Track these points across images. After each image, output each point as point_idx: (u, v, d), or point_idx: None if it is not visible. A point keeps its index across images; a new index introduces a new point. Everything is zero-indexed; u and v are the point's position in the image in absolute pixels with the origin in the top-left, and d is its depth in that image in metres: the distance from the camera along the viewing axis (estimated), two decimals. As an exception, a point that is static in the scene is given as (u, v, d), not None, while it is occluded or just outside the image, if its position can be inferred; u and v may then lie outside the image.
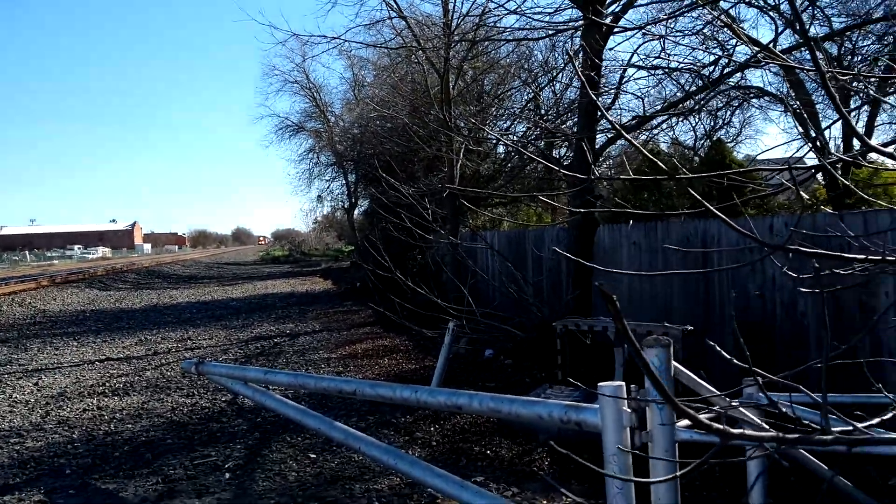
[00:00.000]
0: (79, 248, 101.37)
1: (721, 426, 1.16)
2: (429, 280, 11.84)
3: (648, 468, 2.56)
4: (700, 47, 9.25)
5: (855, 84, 5.64)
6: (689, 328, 6.84)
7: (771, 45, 8.00)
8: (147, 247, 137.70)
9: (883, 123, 15.22)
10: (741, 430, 1.24)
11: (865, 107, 13.03)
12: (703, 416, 1.29)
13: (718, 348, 1.92)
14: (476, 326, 9.86)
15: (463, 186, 14.06)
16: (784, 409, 1.47)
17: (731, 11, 9.19)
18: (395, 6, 12.68)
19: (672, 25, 8.17)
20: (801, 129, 10.06)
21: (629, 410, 2.56)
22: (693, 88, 10.25)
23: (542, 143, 14.36)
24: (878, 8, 10.64)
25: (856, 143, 12.33)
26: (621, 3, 8.59)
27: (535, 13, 8.85)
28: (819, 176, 10.51)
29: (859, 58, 11.69)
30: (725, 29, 8.82)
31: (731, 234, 6.93)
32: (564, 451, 1.83)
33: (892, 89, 11.77)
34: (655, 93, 13.37)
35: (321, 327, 14.67)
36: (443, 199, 14.55)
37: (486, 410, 3.38)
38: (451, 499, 3.96)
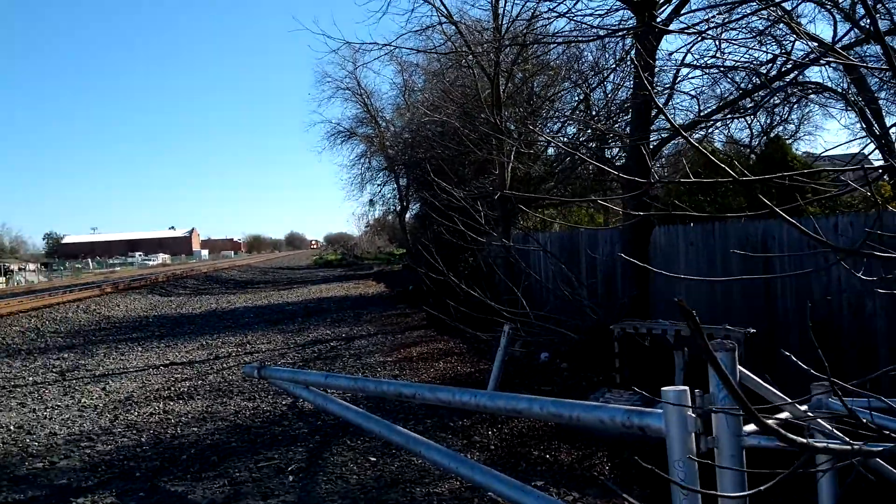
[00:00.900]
0: (139, 255, 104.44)
1: (804, 440, 1.16)
2: (481, 282, 11.86)
3: (715, 471, 2.54)
4: (756, 46, 9.05)
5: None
6: (752, 331, 6.71)
7: (832, 42, 7.82)
8: (204, 253, 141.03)
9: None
10: (825, 444, 1.23)
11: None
12: (771, 422, 1.29)
13: (790, 355, 1.90)
14: (530, 329, 9.83)
15: (514, 188, 14.05)
16: (863, 418, 1.45)
17: (787, 6, 8.99)
18: (445, 12, 12.79)
19: (727, 24, 8.01)
20: (864, 126, 9.77)
21: (694, 415, 2.54)
22: (749, 87, 10.04)
23: (594, 144, 14.24)
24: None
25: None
26: (674, 3, 8.48)
27: (584, 15, 8.80)
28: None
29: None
30: (781, 25, 8.64)
31: (793, 233, 6.79)
32: (639, 460, 1.83)
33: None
34: (710, 91, 13.13)
35: (376, 330, 14.83)
36: (494, 201, 14.56)
37: (546, 415, 3.39)
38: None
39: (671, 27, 7.93)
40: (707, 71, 10.26)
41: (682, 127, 8.72)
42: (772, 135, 15.93)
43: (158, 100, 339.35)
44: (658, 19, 8.52)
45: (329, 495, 5.48)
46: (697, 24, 8.07)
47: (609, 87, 15.02)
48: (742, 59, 9.57)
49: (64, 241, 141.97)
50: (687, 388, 2.62)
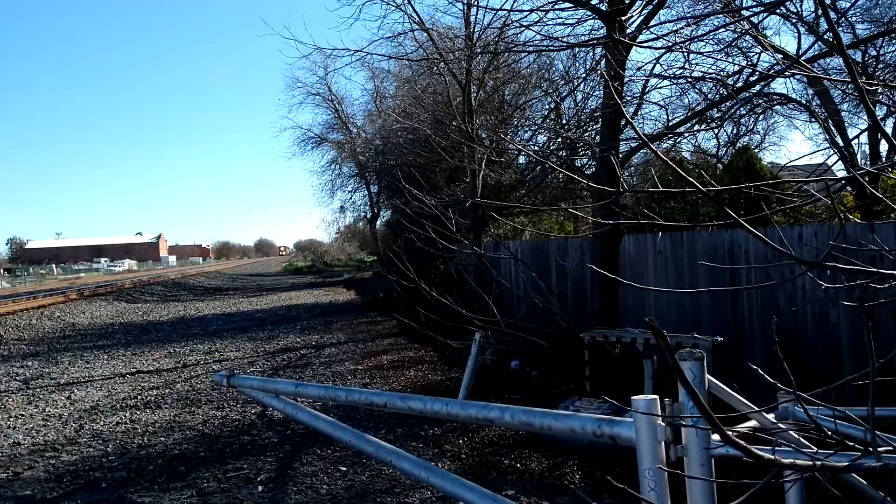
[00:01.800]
0: (105, 261, 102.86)
1: (770, 455, 1.18)
2: (452, 290, 11.87)
3: (684, 478, 2.56)
4: (723, 57, 9.21)
5: (879, 92, 5.61)
6: (720, 339, 6.80)
7: (797, 54, 7.98)
8: (172, 259, 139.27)
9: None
10: (792, 461, 1.25)
11: (891, 115, 12.89)
12: (738, 433, 1.30)
13: (757, 368, 1.93)
14: (501, 337, 9.87)
15: (485, 196, 14.11)
16: (826, 428, 1.48)
17: (754, 20, 9.16)
18: (417, 18, 12.81)
19: (696, 37, 8.13)
20: (828, 137, 9.98)
21: (664, 424, 2.56)
22: (716, 97, 10.21)
23: (564, 153, 14.36)
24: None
25: (882, 148, 12.20)
26: (643, 15, 8.59)
27: (556, 24, 8.85)
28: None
29: (882, 65, 11.58)
30: (748, 37, 8.80)
31: (760, 243, 6.90)
32: (599, 469, 1.84)
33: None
34: (678, 101, 13.32)
35: (346, 338, 14.76)
36: (465, 209, 14.61)
37: (517, 424, 3.39)
38: (483, 512, 3.98)
39: (641, 38, 8.02)
40: (675, 81, 10.43)
41: (650, 137, 8.83)
42: (738, 145, 16.21)
43: (125, 104, 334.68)
44: (628, 30, 8.62)
45: (299, 506, 5.43)
46: (666, 34, 8.19)
47: (579, 96, 15.20)
48: (710, 70, 9.75)
49: (27, 246, 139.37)
50: (657, 397, 2.63)
